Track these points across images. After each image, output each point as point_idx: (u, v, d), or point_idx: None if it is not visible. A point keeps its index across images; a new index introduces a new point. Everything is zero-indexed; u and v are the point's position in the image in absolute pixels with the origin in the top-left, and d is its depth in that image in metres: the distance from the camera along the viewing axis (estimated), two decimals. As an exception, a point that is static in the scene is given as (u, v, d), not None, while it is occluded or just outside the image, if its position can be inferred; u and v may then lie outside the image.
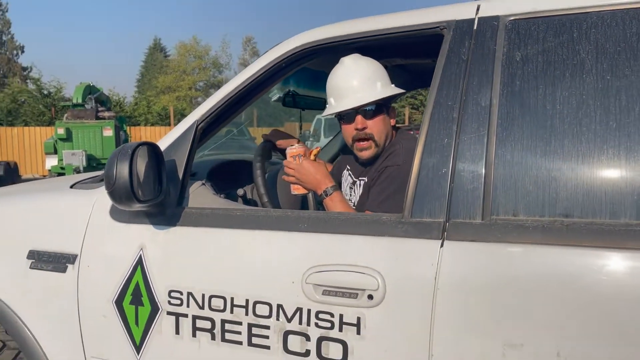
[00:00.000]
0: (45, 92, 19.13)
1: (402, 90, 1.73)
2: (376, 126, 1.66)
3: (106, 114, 11.20)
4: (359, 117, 1.65)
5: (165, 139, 1.59)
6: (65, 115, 11.18)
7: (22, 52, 44.29)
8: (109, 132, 10.57)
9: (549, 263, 1.15)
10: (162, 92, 34.43)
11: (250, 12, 72.09)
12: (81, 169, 9.77)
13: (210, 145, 2.52)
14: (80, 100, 11.10)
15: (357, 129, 1.65)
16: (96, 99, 11.38)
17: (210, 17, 70.83)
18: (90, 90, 11.46)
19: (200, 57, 39.29)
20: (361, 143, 1.68)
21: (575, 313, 1.11)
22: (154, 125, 18.85)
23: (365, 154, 1.70)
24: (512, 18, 1.33)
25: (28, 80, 35.68)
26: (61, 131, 10.40)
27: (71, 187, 1.86)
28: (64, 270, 1.62)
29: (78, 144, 10.41)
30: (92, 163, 10.24)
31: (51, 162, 10.48)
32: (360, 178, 1.76)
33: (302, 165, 1.66)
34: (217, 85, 40.27)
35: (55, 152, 10.56)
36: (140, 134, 17.14)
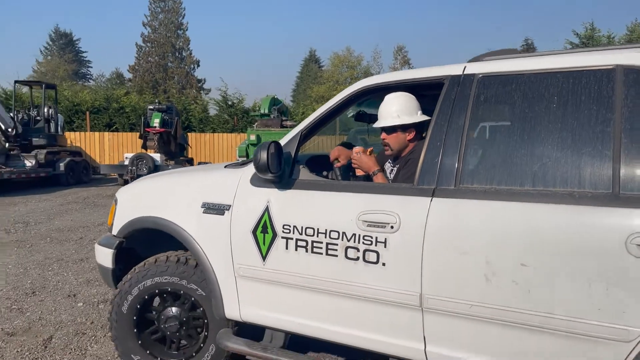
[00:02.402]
0: (230, 102, 21.61)
1: (411, 120, 2.78)
2: (391, 139, 2.80)
3: (288, 122, 13.10)
4: (383, 133, 2.79)
5: (284, 139, 2.75)
6: (256, 124, 13.30)
7: (198, 66, 50.18)
8: None
9: (485, 209, 2.15)
10: (316, 102, 36.67)
11: (403, 22, 75.33)
12: None
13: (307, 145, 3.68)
14: (266, 111, 13.17)
15: (381, 139, 2.78)
16: (278, 110, 13.37)
17: (363, 28, 75.05)
18: (274, 102, 13.48)
19: (352, 67, 40.96)
20: (384, 147, 2.83)
21: (497, 236, 2.10)
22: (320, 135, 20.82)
23: (386, 153, 2.88)
24: (481, 75, 2.35)
25: (202, 91, 40.21)
26: (253, 137, 12.43)
27: (225, 167, 3.10)
28: (223, 214, 2.82)
29: None
30: None
31: None
32: (395, 166, 2.85)
33: (361, 157, 2.79)
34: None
35: (247, 155, 12.57)
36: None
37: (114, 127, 20.28)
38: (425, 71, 2.61)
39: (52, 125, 15.36)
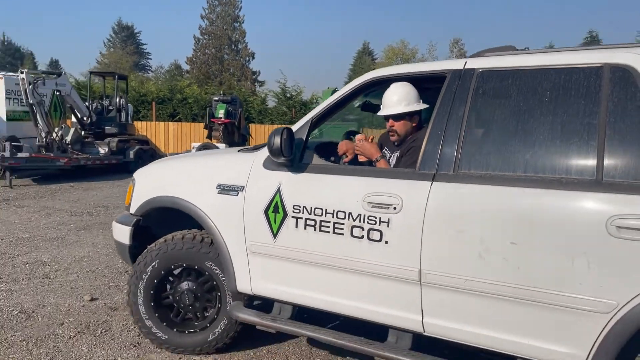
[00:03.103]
0: (288, 95, 21.85)
1: (418, 108, 2.98)
2: (399, 126, 2.98)
3: (351, 116, 13.41)
4: (390, 120, 2.97)
5: (295, 126, 2.95)
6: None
7: (253, 58, 51.30)
8: None
9: (481, 192, 2.35)
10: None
11: (460, 14, 75.60)
12: None
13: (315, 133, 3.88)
14: None
15: (389, 126, 2.97)
16: None
17: (418, 20, 75.47)
18: None
19: (407, 60, 40.96)
20: (390, 133, 3.01)
21: (491, 217, 2.31)
22: (377, 128, 21.30)
23: (392, 139, 3.06)
24: (480, 70, 2.55)
25: (256, 83, 41.17)
26: (315, 131, 12.76)
27: (238, 151, 3.30)
28: (237, 194, 3.02)
29: None
30: None
31: None
32: (394, 152, 3.06)
33: (364, 145, 3.00)
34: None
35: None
36: (367, 133, 19.97)
37: (177, 117, 20.75)
38: (429, 65, 2.80)
39: (123, 114, 15.92)
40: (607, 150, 2.15)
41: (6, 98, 13.27)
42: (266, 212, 2.90)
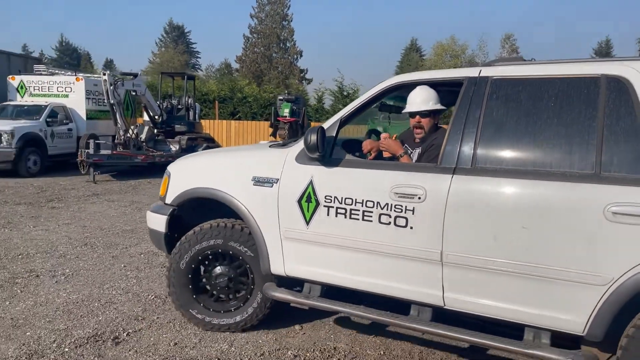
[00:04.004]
0: (345, 93, 21.96)
1: (443, 107, 3.35)
2: (425, 122, 3.34)
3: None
4: (418, 116, 3.34)
5: (326, 124, 3.29)
6: (382, 115, 14.06)
7: (301, 56, 51.50)
8: None
9: (495, 183, 2.73)
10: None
11: (511, 10, 76.15)
12: None
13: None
14: (393, 103, 14.01)
15: (415, 122, 3.33)
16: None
17: (468, 16, 75.62)
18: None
19: (456, 56, 39.95)
20: (417, 129, 3.37)
21: (504, 205, 2.68)
22: None
23: (418, 135, 3.41)
24: (494, 77, 2.92)
25: (304, 81, 41.57)
26: (380, 129, 13.19)
27: (269, 147, 3.63)
28: (271, 186, 3.35)
29: None
30: None
31: None
32: (415, 149, 3.43)
33: (388, 142, 3.36)
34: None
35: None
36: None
37: (237, 116, 21.10)
38: (448, 72, 3.18)
39: (191, 113, 16.31)
40: (605, 148, 2.54)
41: (86, 98, 14.52)
42: (299, 201, 3.24)
